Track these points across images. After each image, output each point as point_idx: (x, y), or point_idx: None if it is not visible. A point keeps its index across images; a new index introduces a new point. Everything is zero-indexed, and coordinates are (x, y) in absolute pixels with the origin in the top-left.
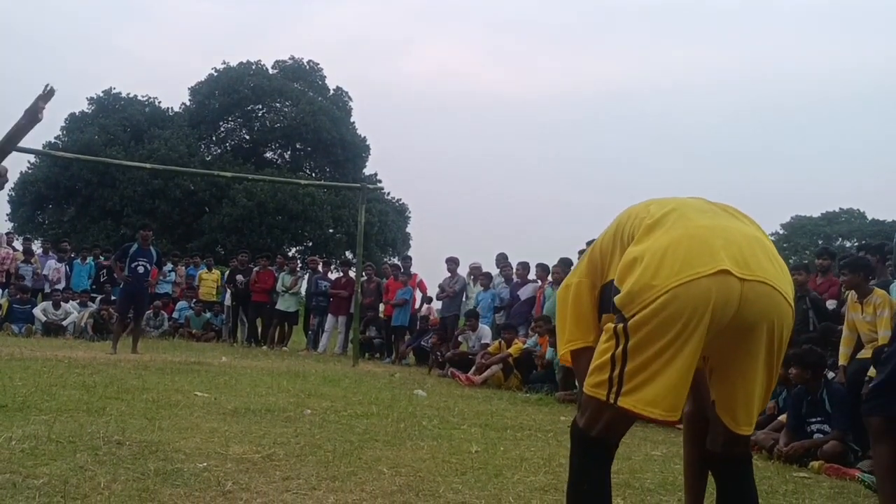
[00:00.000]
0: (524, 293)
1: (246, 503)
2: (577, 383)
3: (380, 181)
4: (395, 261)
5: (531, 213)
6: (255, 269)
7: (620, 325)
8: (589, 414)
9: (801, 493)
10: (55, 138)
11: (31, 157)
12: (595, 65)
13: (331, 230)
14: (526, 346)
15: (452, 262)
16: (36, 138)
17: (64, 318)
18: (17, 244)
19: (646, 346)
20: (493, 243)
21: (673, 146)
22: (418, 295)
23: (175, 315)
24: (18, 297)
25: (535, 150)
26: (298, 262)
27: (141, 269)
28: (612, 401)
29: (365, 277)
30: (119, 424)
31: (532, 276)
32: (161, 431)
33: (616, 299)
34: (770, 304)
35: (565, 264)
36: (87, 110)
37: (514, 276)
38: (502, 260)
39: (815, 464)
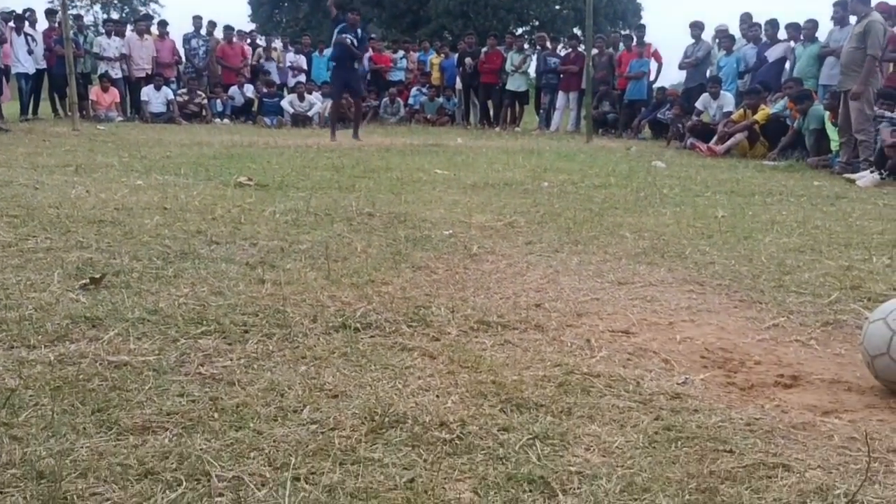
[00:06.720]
0: (772, 54)
1: (492, 264)
2: None
3: None
4: (628, 32)
5: None
6: (484, 50)
7: None
8: None
9: None
10: None
11: None
12: None
13: (557, 6)
14: (773, 111)
15: (696, 28)
16: None
17: (309, 109)
18: (260, 41)
19: None
20: (737, 3)
21: None
22: (653, 66)
23: (410, 101)
24: (266, 91)
25: None
26: (526, 40)
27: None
28: None
29: (596, 51)
30: (368, 199)
31: (782, 35)
32: (407, 204)
33: None
34: None
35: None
36: None
37: (763, 37)
38: (746, 20)
39: None
